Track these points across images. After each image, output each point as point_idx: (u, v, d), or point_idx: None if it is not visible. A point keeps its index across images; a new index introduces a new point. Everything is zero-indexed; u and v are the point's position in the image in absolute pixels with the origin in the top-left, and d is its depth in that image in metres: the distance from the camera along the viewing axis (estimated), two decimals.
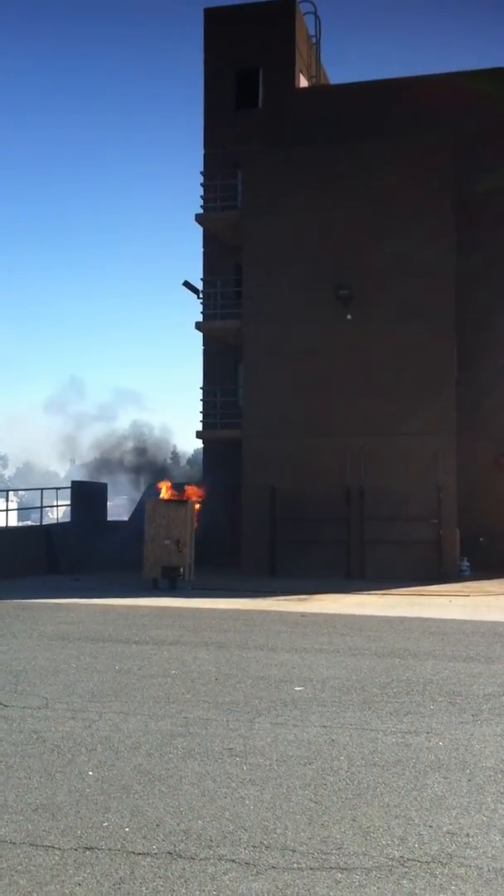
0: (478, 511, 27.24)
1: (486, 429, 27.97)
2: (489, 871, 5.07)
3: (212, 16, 32.40)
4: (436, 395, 25.95)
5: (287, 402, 26.77)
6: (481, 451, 27.82)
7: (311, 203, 27.10)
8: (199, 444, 32.25)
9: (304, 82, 32.55)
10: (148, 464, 32.51)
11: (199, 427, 30.66)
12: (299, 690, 9.79)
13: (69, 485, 32.59)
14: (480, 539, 27.18)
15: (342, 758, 7.25)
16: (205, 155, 31.93)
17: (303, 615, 17.11)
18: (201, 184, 31.34)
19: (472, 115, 28.41)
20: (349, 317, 26.48)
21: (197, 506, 23.91)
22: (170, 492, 24.44)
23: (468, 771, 6.94)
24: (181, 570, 22.81)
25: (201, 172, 31.57)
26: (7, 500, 34.21)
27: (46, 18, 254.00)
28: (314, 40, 34.17)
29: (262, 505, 26.63)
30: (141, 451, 34.70)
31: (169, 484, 25.29)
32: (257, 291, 27.66)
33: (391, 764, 7.10)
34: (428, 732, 8.04)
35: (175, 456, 33.15)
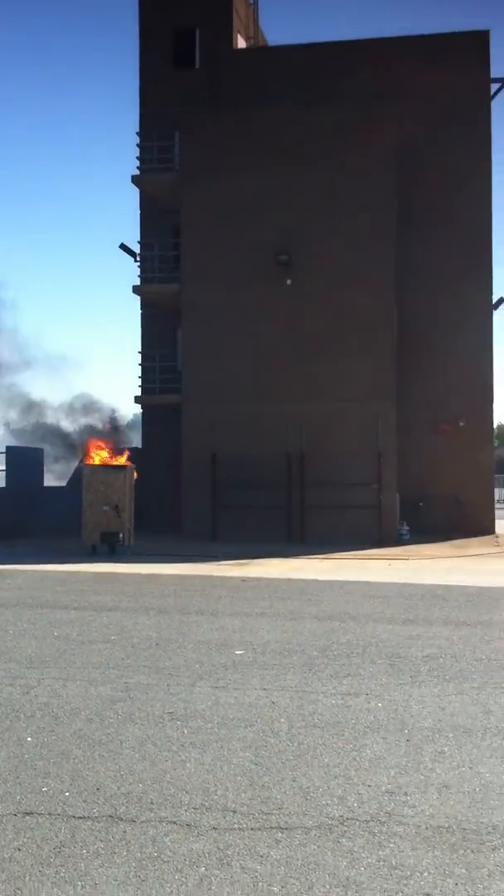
0: (417, 476, 27.55)
1: (426, 394, 28.16)
2: (427, 828, 5.13)
3: None
4: (376, 361, 26.07)
5: (227, 367, 26.67)
6: (421, 416, 28.07)
7: (252, 166, 26.83)
8: (138, 408, 31.91)
9: (241, 43, 32.15)
10: (90, 431, 32.07)
11: (138, 392, 30.41)
12: (240, 654, 9.81)
13: (3, 450, 32.03)
14: (419, 504, 27.49)
15: (282, 720, 7.28)
16: (141, 115, 31.31)
17: (244, 580, 17.15)
18: (137, 144, 30.84)
19: (417, 81, 28.24)
20: (289, 282, 26.43)
21: (136, 474, 23.66)
22: (101, 453, 23.92)
23: (406, 731, 7.01)
24: (121, 535, 22.70)
25: (137, 133, 31.06)
26: None
27: None
28: (252, 0, 33.72)
29: (203, 470, 26.56)
30: (85, 413, 34.23)
31: (101, 446, 24.63)
32: (196, 255, 27.41)
33: (331, 725, 7.15)
34: (367, 694, 8.12)
35: (115, 420, 32.71)
